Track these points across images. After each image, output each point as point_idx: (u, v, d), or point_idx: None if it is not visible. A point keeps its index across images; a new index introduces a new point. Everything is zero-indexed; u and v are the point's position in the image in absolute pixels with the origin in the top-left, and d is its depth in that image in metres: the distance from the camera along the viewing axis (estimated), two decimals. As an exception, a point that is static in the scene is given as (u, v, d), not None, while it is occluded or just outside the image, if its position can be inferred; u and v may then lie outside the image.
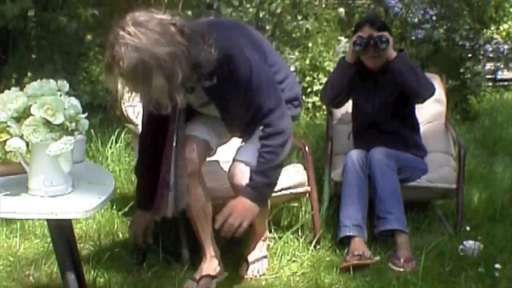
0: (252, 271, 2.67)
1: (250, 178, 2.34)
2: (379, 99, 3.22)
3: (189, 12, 4.55)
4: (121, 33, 2.02)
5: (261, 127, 2.34)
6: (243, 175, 2.39)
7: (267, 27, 5.08)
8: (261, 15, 4.51)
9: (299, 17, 4.82)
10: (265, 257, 2.74)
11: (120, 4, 4.81)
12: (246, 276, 2.66)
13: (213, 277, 2.58)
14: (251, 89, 2.30)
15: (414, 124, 3.32)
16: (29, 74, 4.33)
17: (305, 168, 2.91)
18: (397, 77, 3.10)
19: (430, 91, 3.14)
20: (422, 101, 3.20)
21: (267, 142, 2.32)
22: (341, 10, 5.19)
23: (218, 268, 2.61)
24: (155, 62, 2.02)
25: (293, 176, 2.85)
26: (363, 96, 3.28)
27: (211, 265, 2.59)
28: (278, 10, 4.51)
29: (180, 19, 2.16)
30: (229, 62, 2.25)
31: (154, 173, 2.54)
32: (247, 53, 2.30)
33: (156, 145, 2.51)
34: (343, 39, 5.47)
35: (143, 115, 2.62)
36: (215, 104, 2.43)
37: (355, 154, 3.02)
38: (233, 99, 2.36)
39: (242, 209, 2.30)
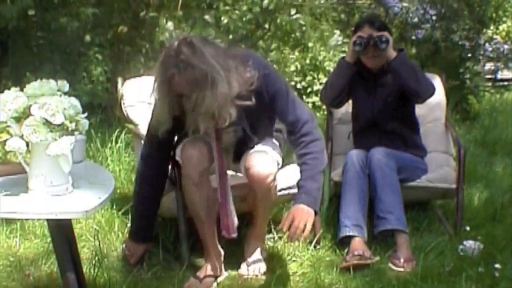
0: (253, 271, 2.67)
1: (300, 186, 2.46)
2: (379, 99, 3.22)
3: (180, 13, 4.54)
4: (185, 46, 2.22)
5: (298, 139, 2.50)
6: (261, 165, 2.48)
7: (266, 26, 5.07)
8: (254, 10, 4.50)
9: (293, 12, 4.81)
10: (264, 259, 2.74)
11: (118, 4, 4.82)
12: (246, 276, 2.65)
13: (216, 277, 2.59)
14: (288, 102, 2.49)
15: (414, 124, 3.32)
16: (28, 74, 4.33)
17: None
18: (397, 77, 3.10)
19: (430, 91, 3.14)
20: (422, 101, 3.20)
21: (308, 150, 2.48)
22: None
23: (222, 269, 2.63)
24: (220, 71, 2.22)
25: (292, 176, 2.85)
26: (363, 96, 3.28)
27: (215, 265, 2.61)
28: (271, 6, 4.51)
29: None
30: (267, 80, 2.42)
31: (155, 207, 2.68)
32: (277, 72, 2.57)
33: (158, 182, 2.65)
34: (337, 32, 5.46)
35: (146, 152, 2.65)
36: (247, 123, 2.53)
37: (355, 154, 3.02)
38: (266, 116, 2.57)
39: (302, 213, 2.39)
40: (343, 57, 3.28)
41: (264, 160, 2.52)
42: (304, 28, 4.88)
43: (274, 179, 2.53)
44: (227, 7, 4.53)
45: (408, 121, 3.28)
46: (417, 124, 3.34)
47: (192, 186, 2.50)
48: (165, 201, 2.75)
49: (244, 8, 4.53)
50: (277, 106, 2.50)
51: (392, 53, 3.11)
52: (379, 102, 3.22)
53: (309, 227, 2.39)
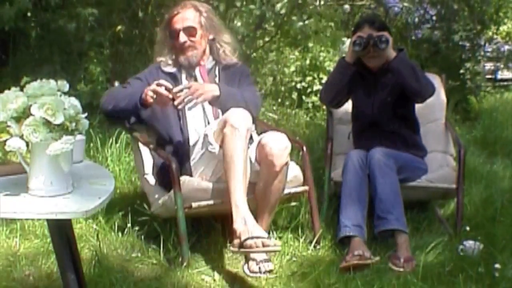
0: (264, 269, 2.64)
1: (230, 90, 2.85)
2: (378, 99, 3.22)
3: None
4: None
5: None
6: (278, 139, 2.64)
7: (270, 28, 5.05)
8: (267, 15, 4.47)
9: (304, 17, 4.80)
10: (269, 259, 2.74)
11: (118, 5, 4.82)
12: (256, 275, 2.64)
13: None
14: (250, 83, 3.07)
15: (414, 124, 3.32)
16: (28, 74, 4.34)
17: (302, 168, 2.92)
18: (397, 77, 3.10)
19: (430, 91, 3.14)
20: (422, 101, 3.20)
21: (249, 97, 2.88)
22: (347, 7, 5.15)
23: None
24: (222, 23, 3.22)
25: (290, 174, 2.84)
26: (362, 96, 3.28)
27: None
28: (283, 11, 4.48)
29: None
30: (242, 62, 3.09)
31: None
32: None
33: None
34: (347, 40, 5.46)
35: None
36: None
37: (355, 154, 3.02)
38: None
39: (207, 88, 2.77)
40: (343, 57, 3.28)
41: (280, 135, 2.65)
42: (310, 32, 4.85)
43: (288, 157, 2.63)
44: (235, 9, 4.52)
45: (408, 121, 3.29)
46: (417, 124, 3.34)
47: (239, 138, 2.53)
48: (161, 201, 2.77)
49: (256, 12, 4.50)
50: (245, 81, 3.00)
51: (392, 53, 3.11)
52: (379, 102, 3.22)
53: (200, 100, 2.71)
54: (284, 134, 2.70)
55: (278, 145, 2.61)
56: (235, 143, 2.53)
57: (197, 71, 3.00)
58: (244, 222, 2.43)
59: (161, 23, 3.17)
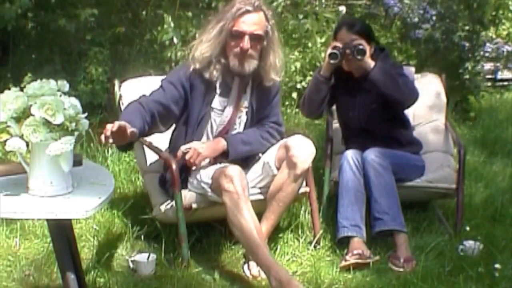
0: (259, 272, 2.65)
1: (245, 132, 2.75)
2: (363, 105, 3.15)
3: (189, 13, 4.54)
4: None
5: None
6: (305, 144, 2.64)
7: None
8: None
9: (300, 16, 4.78)
10: None
11: (117, 5, 4.81)
12: (247, 276, 2.65)
13: None
14: (279, 104, 2.96)
15: (404, 121, 3.26)
16: (29, 74, 4.34)
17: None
18: (376, 88, 3.01)
19: (412, 99, 3.05)
20: (406, 108, 3.13)
21: (273, 134, 2.84)
22: (342, 8, 5.13)
23: None
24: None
25: None
26: (347, 105, 3.21)
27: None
28: (279, 9, 4.46)
29: None
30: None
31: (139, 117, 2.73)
32: None
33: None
34: None
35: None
36: (253, 109, 2.76)
37: (350, 154, 2.98)
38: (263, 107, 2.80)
39: (214, 147, 2.66)
40: (319, 70, 3.15)
41: (307, 140, 2.64)
42: (307, 32, 4.83)
43: (311, 164, 2.66)
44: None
45: (397, 121, 3.21)
46: (407, 120, 3.28)
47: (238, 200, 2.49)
48: (163, 209, 2.77)
49: None
50: (275, 100, 2.84)
51: (370, 63, 2.99)
52: (364, 109, 3.14)
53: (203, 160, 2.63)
54: (310, 140, 2.68)
55: (304, 149, 2.59)
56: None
57: (235, 84, 2.71)
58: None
59: (212, 15, 2.82)
